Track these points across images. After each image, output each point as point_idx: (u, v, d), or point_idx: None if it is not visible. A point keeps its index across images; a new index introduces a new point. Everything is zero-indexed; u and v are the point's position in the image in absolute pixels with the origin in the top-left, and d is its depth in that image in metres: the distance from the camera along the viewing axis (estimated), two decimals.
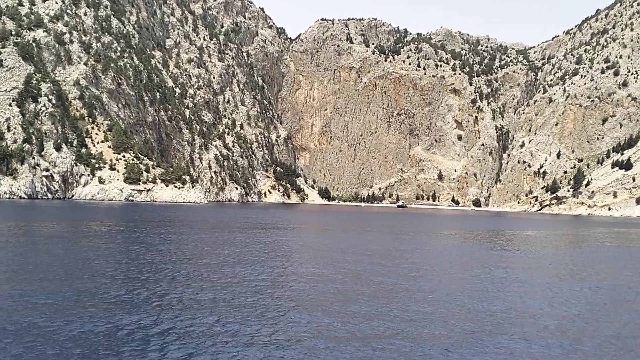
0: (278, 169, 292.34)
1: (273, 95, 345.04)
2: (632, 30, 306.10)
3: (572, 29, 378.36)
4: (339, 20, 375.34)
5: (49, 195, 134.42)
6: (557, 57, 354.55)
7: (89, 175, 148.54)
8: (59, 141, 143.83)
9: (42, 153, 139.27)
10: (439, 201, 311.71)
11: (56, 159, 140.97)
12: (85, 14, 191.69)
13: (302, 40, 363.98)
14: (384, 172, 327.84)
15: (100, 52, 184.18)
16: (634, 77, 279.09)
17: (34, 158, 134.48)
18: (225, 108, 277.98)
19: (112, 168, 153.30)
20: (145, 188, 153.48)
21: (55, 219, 65.78)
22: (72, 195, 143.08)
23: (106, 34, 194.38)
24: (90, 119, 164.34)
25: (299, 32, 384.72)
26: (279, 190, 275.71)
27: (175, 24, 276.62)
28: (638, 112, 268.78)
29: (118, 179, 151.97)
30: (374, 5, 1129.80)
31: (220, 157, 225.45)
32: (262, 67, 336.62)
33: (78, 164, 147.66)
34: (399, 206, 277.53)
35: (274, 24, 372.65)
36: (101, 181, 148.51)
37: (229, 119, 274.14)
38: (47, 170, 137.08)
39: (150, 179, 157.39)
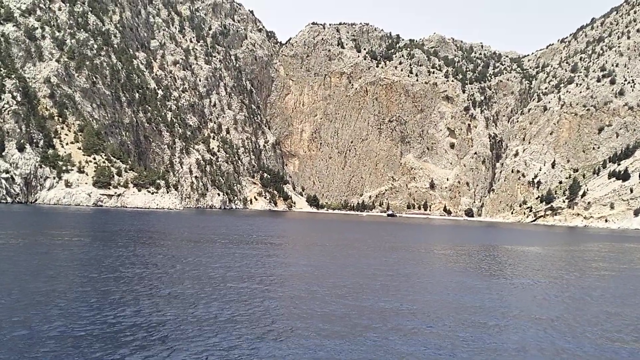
0: (265, 175, 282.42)
1: (262, 100, 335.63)
2: (628, 38, 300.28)
3: (566, 37, 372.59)
4: (330, 24, 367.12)
5: (9, 199, 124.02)
6: (552, 66, 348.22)
7: (54, 178, 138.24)
8: (22, 141, 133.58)
9: (3, 153, 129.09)
10: (430, 210, 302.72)
11: (18, 160, 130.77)
12: (60, 9, 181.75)
13: (292, 44, 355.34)
14: (375, 180, 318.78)
15: (75, 49, 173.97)
16: (631, 86, 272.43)
17: None
18: (211, 112, 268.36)
19: (80, 171, 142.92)
20: (115, 193, 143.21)
21: None
22: (35, 200, 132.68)
23: (82, 30, 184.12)
24: (60, 119, 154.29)
25: (289, 36, 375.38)
26: (265, 198, 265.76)
27: (160, 25, 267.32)
28: (635, 122, 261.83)
29: (86, 183, 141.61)
30: (366, 11, 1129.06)
31: (202, 161, 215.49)
32: (250, 71, 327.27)
33: (43, 165, 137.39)
34: (388, 215, 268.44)
35: (263, 27, 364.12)
36: (68, 185, 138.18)
37: (214, 123, 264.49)
38: (7, 172, 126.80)
39: (121, 183, 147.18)
